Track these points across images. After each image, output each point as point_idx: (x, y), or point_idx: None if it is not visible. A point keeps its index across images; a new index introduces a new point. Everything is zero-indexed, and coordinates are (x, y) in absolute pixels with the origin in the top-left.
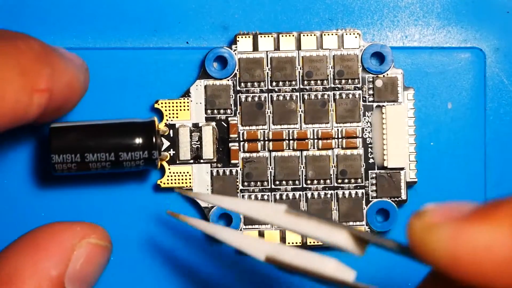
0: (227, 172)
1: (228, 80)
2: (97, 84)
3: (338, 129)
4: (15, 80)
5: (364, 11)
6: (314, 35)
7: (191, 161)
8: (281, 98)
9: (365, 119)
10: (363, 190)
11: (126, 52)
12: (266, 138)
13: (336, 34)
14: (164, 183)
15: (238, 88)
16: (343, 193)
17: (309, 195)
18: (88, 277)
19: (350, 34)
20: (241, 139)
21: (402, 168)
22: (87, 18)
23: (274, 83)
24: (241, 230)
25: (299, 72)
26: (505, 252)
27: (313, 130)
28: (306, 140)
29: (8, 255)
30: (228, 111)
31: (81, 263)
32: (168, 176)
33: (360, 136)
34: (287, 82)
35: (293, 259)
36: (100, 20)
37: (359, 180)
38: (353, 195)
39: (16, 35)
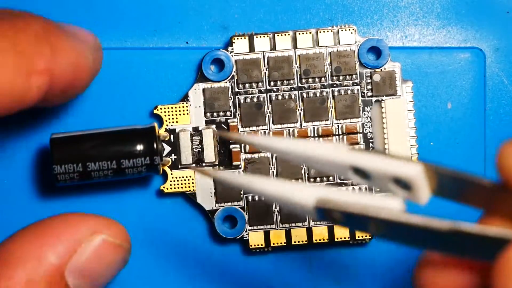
0: None
1: (226, 82)
2: (97, 84)
3: (338, 126)
4: (9, 61)
5: (363, 11)
6: (310, 33)
7: (193, 165)
8: (279, 97)
9: (364, 114)
10: (366, 185)
11: (126, 52)
12: None
13: (331, 31)
14: (167, 189)
15: (236, 89)
16: (347, 189)
17: None
18: (94, 273)
19: (345, 30)
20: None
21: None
22: (87, 18)
23: (272, 83)
24: (246, 231)
25: (296, 70)
26: None
27: (314, 127)
28: (307, 138)
29: (17, 236)
30: (228, 113)
31: (87, 257)
32: (171, 181)
33: (361, 131)
34: (285, 81)
35: (349, 200)
36: (100, 20)
37: None
38: (357, 192)
39: (17, 14)
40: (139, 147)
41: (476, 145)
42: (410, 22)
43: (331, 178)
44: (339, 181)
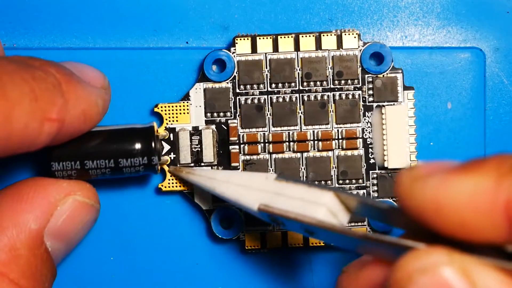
0: None
1: (227, 82)
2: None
3: (338, 130)
4: (26, 104)
5: (364, 11)
6: (313, 35)
7: (192, 164)
8: (280, 100)
9: (365, 119)
10: (364, 191)
11: (126, 52)
12: (266, 140)
13: (335, 35)
14: (165, 187)
15: (237, 90)
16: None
17: None
18: (70, 234)
19: (349, 34)
20: (241, 142)
21: (403, 168)
22: (87, 18)
23: (273, 85)
24: (243, 232)
25: (298, 73)
26: (487, 199)
27: (313, 131)
28: (306, 142)
29: None
30: (228, 113)
31: (63, 219)
32: (169, 179)
33: (361, 136)
34: (286, 84)
35: (285, 206)
36: (100, 20)
37: (360, 181)
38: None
39: (34, 63)
40: (137, 146)
41: (476, 145)
42: (410, 22)
43: (329, 182)
44: (337, 185)
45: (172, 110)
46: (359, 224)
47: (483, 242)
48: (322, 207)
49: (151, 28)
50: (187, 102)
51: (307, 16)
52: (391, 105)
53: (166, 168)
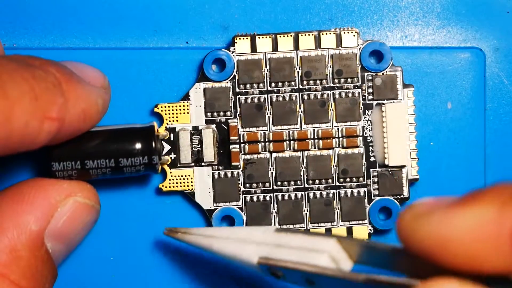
0: (229, 174)
1: (227, 82)
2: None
3: (338, 128)
4: (26, 103)
5: (364, 11)
6: (312, 34)
7: (192, 164)
8: (280, 99)
9: (365, 117)
10: (365, 189)
11: (126, 52)
12: (266, 139)
13: (334, 33)
14: (166, 187)
15: (237, 90)
16: (345, 192)
17: (311, 195)
18: (70, 235)
19: (348, 32)
20: (242, 141)
21: (404, 166)
22: (87, 18)
23: (273, 84)
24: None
25: (298, 72)
26: (492, 229)
27: (313, 130)
28: (307, 140)
29: None
30: (228, 113)
31: (64, 221)
32: (169, 179)
33: (361, 134)
34: (286, 83)
35: (285, 257)
36: (100, 20)
37: (361, 179)
38: (355, 194)
39: (34, 62)
40: (138, 146)
41: (476, 145)
42: (410, 22)
43: (329, 180)
44: (337, 183)
45: (172, 110)
46: (360, 222)
47: (490, 272)
48: (323, 254)
49: (151, 28)
50: (187, 102)
51: (307, 16)
52: (391, 103)
53: (167, 168)
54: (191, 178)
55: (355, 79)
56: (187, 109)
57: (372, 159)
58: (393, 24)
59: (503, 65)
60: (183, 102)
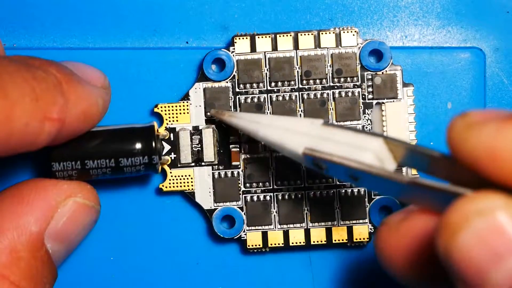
0: (229, 174)
1: (227, 82)
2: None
3: None
4: (26, 104)
5: (364, 11)
6: (312, 34)
7: (193, 164)
8: (280, 98)
9: (365, 116)
10: (365, 188)
11: (126, 52)
12: None
13: (333, 33)
14: (166, 187)
15: (237, 89)
16: (345, 191)
17: (311, 194)
18: (70, 236)
19: (347, 32)
20: (242, 141)
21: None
22: (87, 18)
23: (273, 84)
24: (244, 231)
25: (297, 71)
26: None
27: None
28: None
29: None
30: None
31: (64, 221)
32: (170, 179)
33: None
34: (286, 82)
35: (330, 151)
36: (100, 20)
37: None
38: (355, 193)
39: (35, 63)
40: (138, 146)
41: None
42: (410, 22)
43: (329, 180)
44: (338, 182)
45: (172, 110)
46: (360, 221)
47: None
48: (369, 152)
49: (151, 28)
50: (187, 102)
51: (307, 16)
52: (391, 102)
53: (167, 168)
54: (191, 178)
55: (355, 78)
56: (187, 109)
57: None
58: (393, 24)
59: (503, 65)
60: (183, 102)
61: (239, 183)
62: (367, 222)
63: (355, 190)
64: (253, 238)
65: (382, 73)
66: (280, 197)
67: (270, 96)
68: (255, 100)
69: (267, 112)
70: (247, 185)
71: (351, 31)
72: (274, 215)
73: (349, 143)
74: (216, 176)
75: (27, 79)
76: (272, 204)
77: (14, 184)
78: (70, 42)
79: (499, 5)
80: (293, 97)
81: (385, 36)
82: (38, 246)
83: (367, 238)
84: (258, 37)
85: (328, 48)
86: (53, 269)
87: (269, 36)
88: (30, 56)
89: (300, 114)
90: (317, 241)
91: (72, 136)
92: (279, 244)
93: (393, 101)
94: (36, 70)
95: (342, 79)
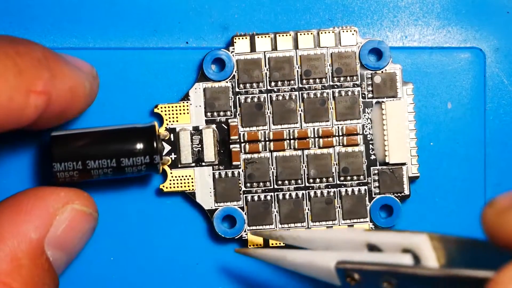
0: (229, 174)
1: (227, 82)
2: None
3: (338, 127)
4: (10, 78)
5: (364, 11)
6: (311, 33)
7: (193, 164)
8: (280, 98)
9: (365, 115)
10: (366, 187)
11: (126, 52)
12: (266, 139)
13: (333, 32)
14: (166, 188)
15: (237, 89)
16: (346, 190)
17: (312, 194)
18: (70, 243)
19: (347, 31)
20: (242, 141)
21: (404, 163)
22: (87, 18)
23: (273, 83)
24: (245, 231)
25: (297, 71)
26: None
27: (314, 128)
28: (307, 139)
29: None
30: (228, 113)
31: (63, 228)
32: (170, 180)
33: (361, 133)
34: (285, 82)
35: (364, 260)
36: (100, 20)
37: (362, 177)
38: (356, 192)
39: (19, 40)
40: (139, 145)
41: (476, 145)
42: (410, 22)
43: (330, 179)
44: (338, 182)
45: (172, 110)
46: (361, 220)
47: None
48: (408, 254)
49: (151, 28)
50: (187, 102)
51: (307, 16)
52: (390, 100)
53: (167, 169)
54: (192, 178)
55: (355, 77)
56: (187, 109)
57: (373, 157)
58: (393, 24)
59: (503, 65)
60: (183, 102)
61: (240, 183)
62: (368, 221)
63: (356, 189)
64: (254, 238)
65: (382, 72)
66: (280, 197)
67: (270, 95)
68: (255, 100)
69: (267, 112)
70: (248, 185)
71: (351, 30)
72: (275, 214)
73: (388, 246)
74: (216, 176)
75: (9, 54)
76: (273, 204)
77: (12, 195)
78: (70, 42)
79: (499, 5)
80: (293, 97)
81: (385, 36)
82: (38, 254)
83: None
84: (258, 37)
85: (327, 47)
86: (54, 277)
87: (269, 36)
88: (15, 36)
89: (300, 114)
90: None
91: (62, 116)
92: (280, 243)
93: (393, 100)
94: (19, 46)
95: (342, 78)
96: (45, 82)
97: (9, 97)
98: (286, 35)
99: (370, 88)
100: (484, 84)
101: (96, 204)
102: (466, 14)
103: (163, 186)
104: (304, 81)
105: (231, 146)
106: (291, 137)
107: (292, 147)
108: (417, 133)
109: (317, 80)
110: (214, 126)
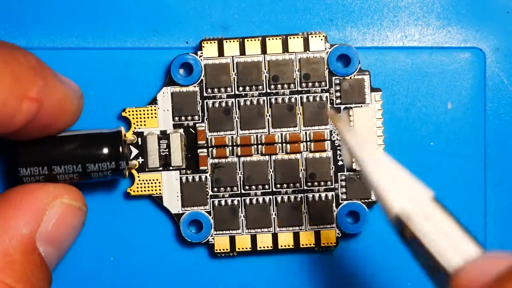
0: (196, 179)
1: (195, 86)
2: (97, 84)
3: (306, 133)
4: (6, 83)
5: (364, 11)
6: (280, 38)
7: (160, 168)
8: (248, 103)
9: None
10: (333, 193)
11: (126, 52)
12: (234, 144)
13: (301, 37)
14: (134, 191)
15: (205, 94)
16: (313, 196)
17: (279, 199)
18: (61, 238)
19: (315, 36)
20: (209, 145)
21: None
22: (87, 18)
23: (240, 88)
24: (212, 235)
25: (265, 76)
26: None
27: (281, 134)
28: (274, 144)
29: None
30: (196, 117)
31: (54, 223)
32: (137, 184)
33: (329, 138)
34: (253, 87)
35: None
36: (100, 20)
37: (329, 183)
38: (323, 198)
39: (16, 47)
40: (105, 151)
41: (476, 145)
42: (410, 22)
43: (297, 184)
44: (305, 187)
45: (140, 114)
46: (328, 226)
47: None
48: (459, 256)
49: (151, 28)
50: (155, 106)
51: (307, 16)
52: (358, 107)
53: (135, 173)
54: (159, 182)
55: (323, 83)
56: (155, 113)
57: (340, 163)
58: (393, 24)
59: (503, 65)
60: (151, 106)
61: (207, 188)
62: (334, 227)
63: (323, 195)
64: (221, 243)
65: (350, 78)
66: (247, 202)
67: (238, 100)
68: (223, 104)
69: (235, 117)
70: (215, 189)
71: (319, 36)
72: (242, 219)
73: (447, 234)
74: (183, 180)
75: (7, 61)
76: (240, 209)
77: (1, 193)
78: (70, 42)
79: (499, 5)
80: (261, 102)
81: (385, 36)
82: (30, 249)
83: (335, 243)
84: (226, 42)
85: (296, 52)
86: (47, 273)
87: (237, 41)
88: (11, 43)
89: (268, 119)
90: (285, 246)
91: (47, 128)
92: (246, 248)
93: (361, 106)
94: (16, 53)
95: (310, 84)
96: (39, 89)
97: (3, 101)
98: (254, 40)
99: (338, 94)
100: (484, 84)
101: (84, 198)
102: (466, 14)
103: (131, 190)
104: (272, 86)
105: (199, 150)
106: (259, 142)
107: (259, 152)
108: (417, 133)
109: (285, 85)
110: (181, 130)
